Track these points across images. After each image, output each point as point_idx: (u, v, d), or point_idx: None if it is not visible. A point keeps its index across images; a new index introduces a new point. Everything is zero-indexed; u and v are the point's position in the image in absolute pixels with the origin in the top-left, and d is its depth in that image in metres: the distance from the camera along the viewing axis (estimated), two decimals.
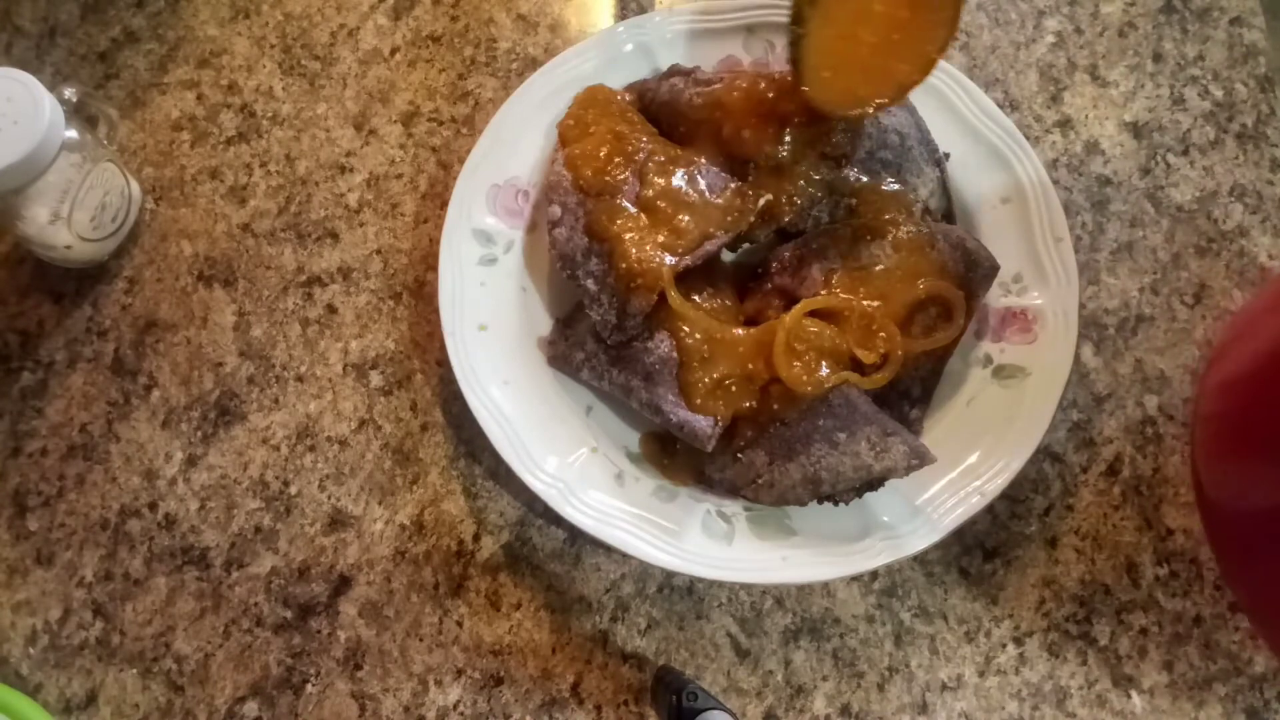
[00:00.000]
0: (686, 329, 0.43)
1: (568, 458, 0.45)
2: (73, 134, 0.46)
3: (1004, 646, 0.44)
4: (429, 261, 0.51)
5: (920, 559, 0.45)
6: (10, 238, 0.51)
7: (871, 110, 0.43)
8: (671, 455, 0.45)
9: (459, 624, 0.45)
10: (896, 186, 0.47)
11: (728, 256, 0.49)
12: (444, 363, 0.48)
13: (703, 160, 0.46)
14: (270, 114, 0.55)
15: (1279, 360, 0.41)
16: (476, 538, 0.46)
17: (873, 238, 0.45)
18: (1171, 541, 0.46)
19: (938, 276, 0.44)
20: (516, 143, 0.49)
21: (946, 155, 0.49)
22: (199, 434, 0.48)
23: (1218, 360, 0.46)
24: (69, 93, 0.48)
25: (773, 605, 0.45)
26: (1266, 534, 0.40)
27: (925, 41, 0.42)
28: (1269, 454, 0.40)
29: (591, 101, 0.48)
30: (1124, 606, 0.45)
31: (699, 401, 0.43)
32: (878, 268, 0.44)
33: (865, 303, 0.44)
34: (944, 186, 0.48)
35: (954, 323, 0.44)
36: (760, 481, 0.43)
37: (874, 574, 0.45)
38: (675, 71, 0.50)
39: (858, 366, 0.43)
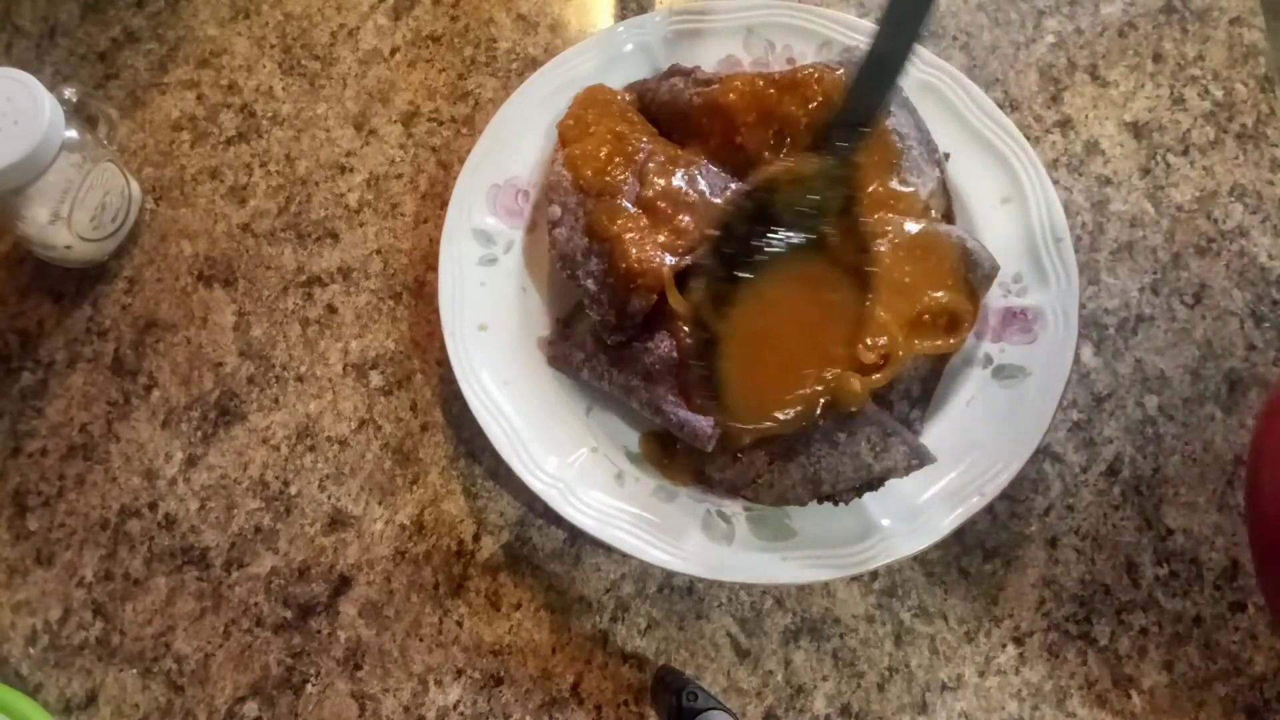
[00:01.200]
0: (686, 329, 0.43)
1: (568, 458, 0.45)
2: (73, 134, 0.46)
3: (1004, 646, 0.44)
4: (429, 261, 0.51)
5: (920, 559, 0.45)
6: (10, 238, 0.51)
7: (789, 420, 0.39)
8: (671, 455, 0.45)
9: (459, 624, 0.45)
10: (897, 187, 0.47)
11: None
12: (444, 363, 0.48)
13: (703, 160, 0.46)
14: (270, 114, 0.55)
15: None
16: (476, 538, 0.46)
17: (872, 238, 0.44)
18: (1171, 541, 0.46)
19: (938, 277, 0.44)
20: (516, 143, 0.49)
21: (946, 155, 0.49)
22: (199, 434, 0.48)
23: None
24: (69, 93, 0.48)
25: (773, 605, 0.45)
26: None
27: (834, 341, 0.39)
28: None
29: (591, 101, 0.48)
30: (1124, 606, 0.45)
31: (699, 402, 0.43)
32: (878, 269, 0.44)
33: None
34: (944, 186, 0.48)
35: (959, 331, 0.44)
36: (760, 481, 0.43)
37: (874, 574, 0.45)
38: (675, 71, 0.50)
39: (858, 366, 0.43)
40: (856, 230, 0.38)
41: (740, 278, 0.38)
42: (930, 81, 0.50)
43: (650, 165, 0.45)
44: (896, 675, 0.44)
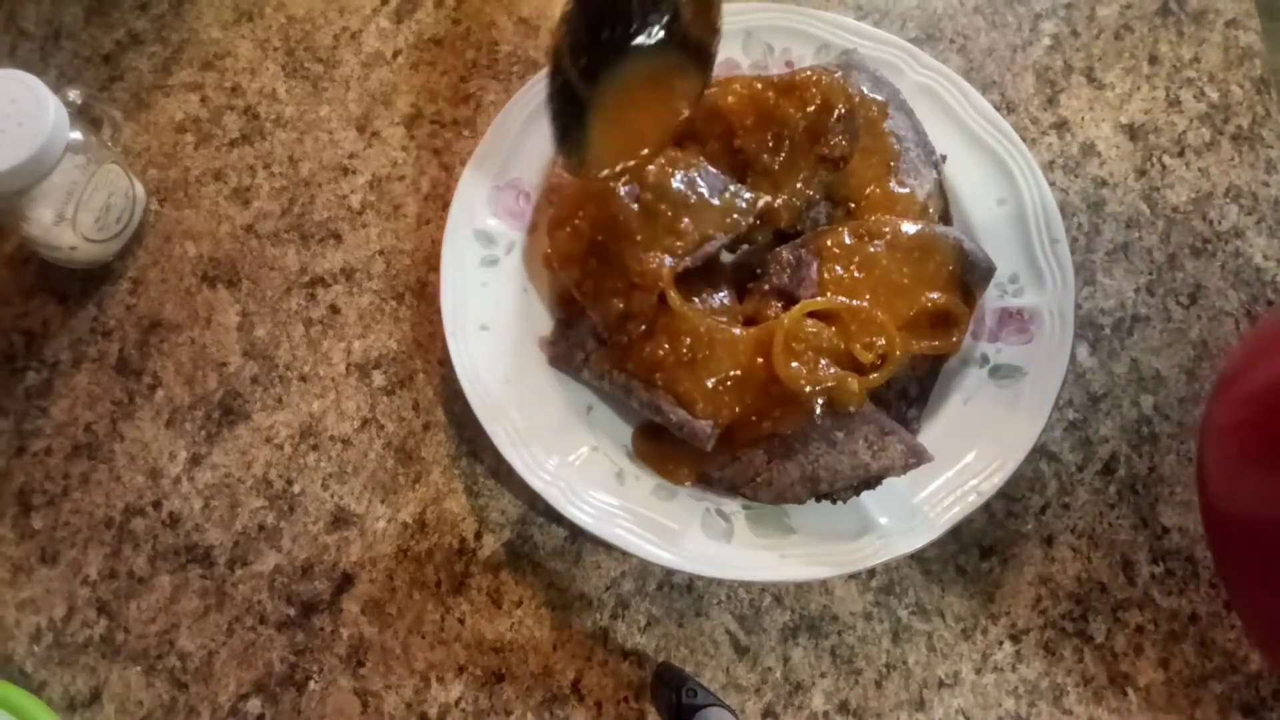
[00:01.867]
0: (686, 329, 0.44)
1: (568, 457, 0.45)
2: (77, 136, 0.46)
3: (1001, 644, 0.45)
4: (431, 262, 0.51)
5: (917, 557, 0.46)
6: (15, 238, 0.52)
7: (633, 166, 0.44)
8: (666, 450, 0.45)
9: (461, 621, 0.45)
10: (894, 188, 0.47)
11: (727, 257, 0.49)
12: (446, 362, 0.48)
13: (702, 162, 0.47)
14: (273, 116, 0.55)
15: None
16: (478, 536, 0.47)
17: (870, 239, 0.45)
18: (1167, 540, 0.46)
19: (935, 278, 0.44)
20: (518, 145, 0.50)
21: (943, 157, 0.49)
22: (203, 433, 0.49)
23: (1237, 371, 0.44)
24: (73, 95, 0.48)
25: (771, 603, 0.45)
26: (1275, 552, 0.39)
27: (671, 110, 0.44)
28: None
29: None
30: (1120, 604, 0.45)
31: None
32: (875, 269, 0.45)
33: (863, 304, 0.44)
34: (941, 188, 0.49)
35: (954, 332, 0.44)
36: (759, 480, 0.43)
37: (872, 572, 0.46)
38: None
39: (856, 366, 0.44)
40: (709, 11, 0.42)
41: (605, 47, 0.41)
42: (927, 84, 0.51)
43: (649, 167, 0.46)
44: (894, 672, 0.44)
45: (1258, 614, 0.40)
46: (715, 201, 0.45)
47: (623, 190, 0.45)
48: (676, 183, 0.45)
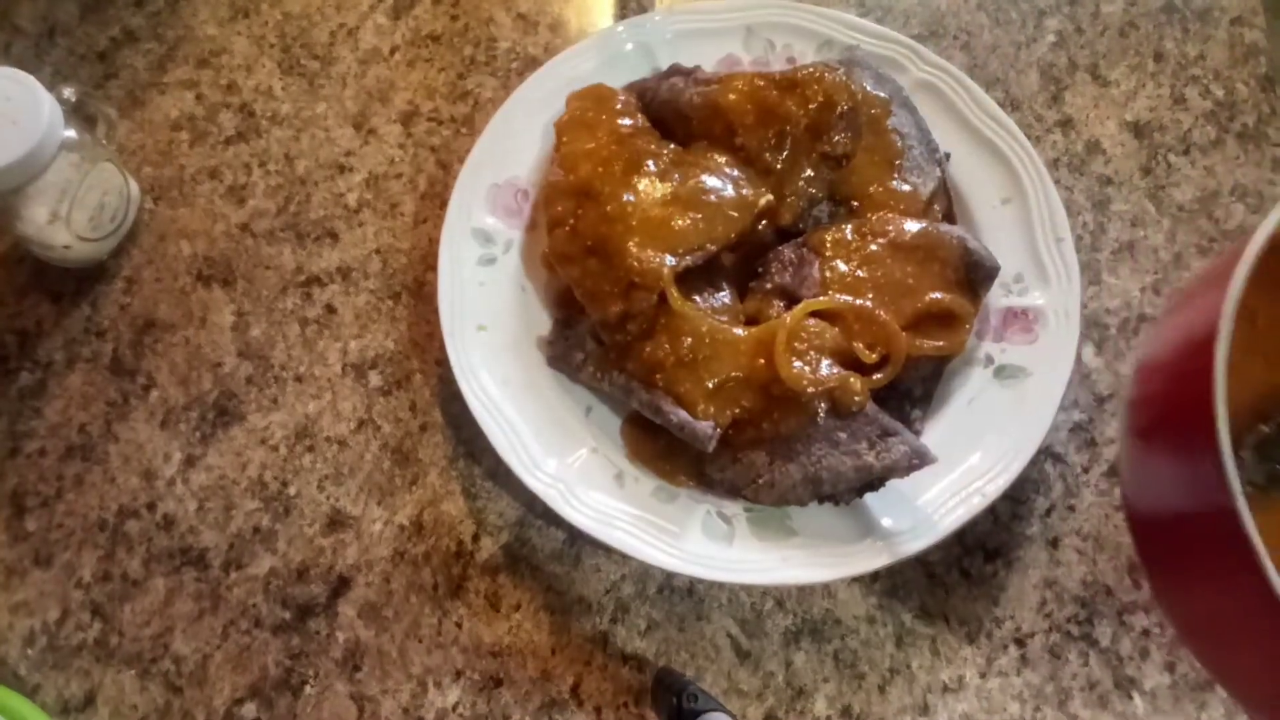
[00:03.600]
0: (687, 329, 0.43)
1: (567, 458, 0.44)
2: (71, 134, 0.46)
3: (1005, 648, 0.44)
4: (428, 261, 0.51)
5: (921, 560, 0.45)
6: (9, 237, 0.51)
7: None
8: (657, 446, 0.45)
9: (458, 625, 0.45)
10: (898, 186, 0.47)
11: (728, 257, 0.49)
12: (443, 363, 0.48)
13: (703, 160, 0.46)
14: (269, 114, 0.55)
15: (1188, 340, 0.33)
16: (476, 538, 0.46)
17: (873, 238, 0.45)
18: None
19: (939, 277, 0.44)
20: (516, 142, 0.49)
21: (947, 155, 0.49)
22: (197, 434, 0.48)
23: (1143, 359, 0.39)
24: (68, 92, 0.48)
25: (773, 606, 0.45)
26: (1170, 535, 0.34)
27: None
28: (1165, 444, 0.34)
29: (591, 101, 0.48)
30: (1126, 608, 0.45)
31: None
32: (879, 268, 0.44)
33: (866, 303, 0.44)
34: (945, 186, 0.48)
35: (958, 332, 0.44)
36: (761, 481, 0.43)
37: (875, 575, 0.45)
38: (675, 71, 0.50)
39: (859, 367, 0.43)
40: None
41: None
42: (931, 81, 0.50)
43: (650, 165, 0.45)
44: (898, 677, 0.44)
45: (1176, 608, 0.35)
46: (716, 200, 0.45)
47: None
48: (677, 180, 0.45)
